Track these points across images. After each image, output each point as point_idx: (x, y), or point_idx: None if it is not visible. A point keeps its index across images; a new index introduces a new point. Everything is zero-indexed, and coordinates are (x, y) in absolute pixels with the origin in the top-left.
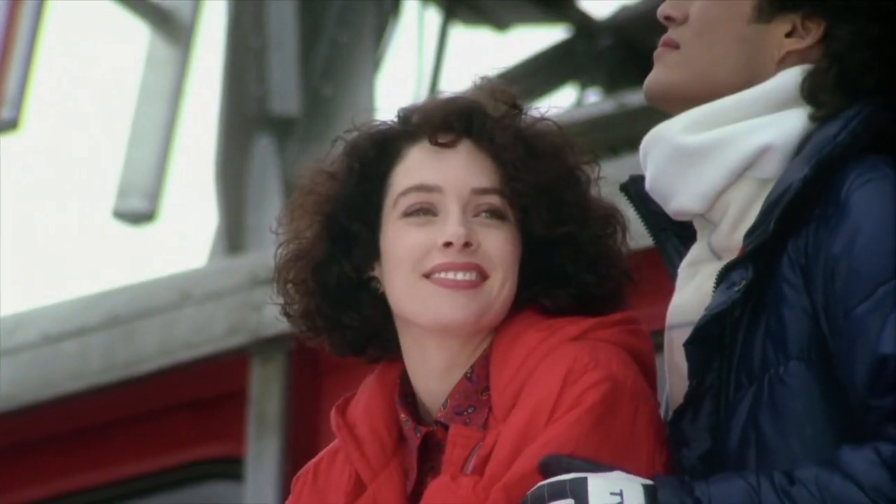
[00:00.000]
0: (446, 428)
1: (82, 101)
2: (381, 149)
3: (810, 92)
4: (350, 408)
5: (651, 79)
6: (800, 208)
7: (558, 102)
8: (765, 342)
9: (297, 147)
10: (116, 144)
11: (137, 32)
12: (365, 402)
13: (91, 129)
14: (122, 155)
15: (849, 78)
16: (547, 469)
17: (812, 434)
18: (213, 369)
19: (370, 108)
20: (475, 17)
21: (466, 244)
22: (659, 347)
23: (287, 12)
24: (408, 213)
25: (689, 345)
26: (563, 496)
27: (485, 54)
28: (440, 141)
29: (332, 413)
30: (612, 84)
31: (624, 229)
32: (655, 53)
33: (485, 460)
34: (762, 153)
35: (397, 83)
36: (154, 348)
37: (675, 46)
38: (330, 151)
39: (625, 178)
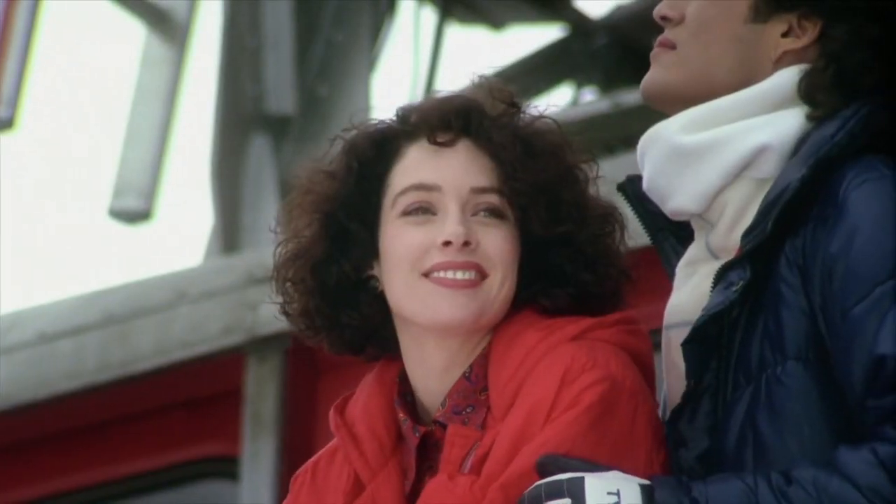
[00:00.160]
0: (445, 427)
1: (78, 101)
2: (380, 148)
3: (807, 91)
4: (349, 407)
5: (648, 79)
6: (797, 208)
7: (554, 101)
8: (762, 342)
9: (292, 146)
10: (112, 143)
11: (133, 32)
12: (364, 401)
13: (87, 129)
14: (118, 154)
15: (846, 78)
16: (544, 469)
17: (809, 434)
18: (209, 368)
19: (366, 108)
20: (471, 16)
21: (465, 243)
22: (657, 346)
23: (283, 12)
24: (406, 213)
25: (687, 345)
26: (560, 496)
27: (481, 53)
28: (438, 140)
29: (331, 412)
30: (607, 83)
31: (623, 228)
32: (652, 53)
33: (482, 460)
34: (759, 153)
35: (393, 83)
36: (150, 347)
37: (671, 46)
38: (328, 150)
39: (621, 177)
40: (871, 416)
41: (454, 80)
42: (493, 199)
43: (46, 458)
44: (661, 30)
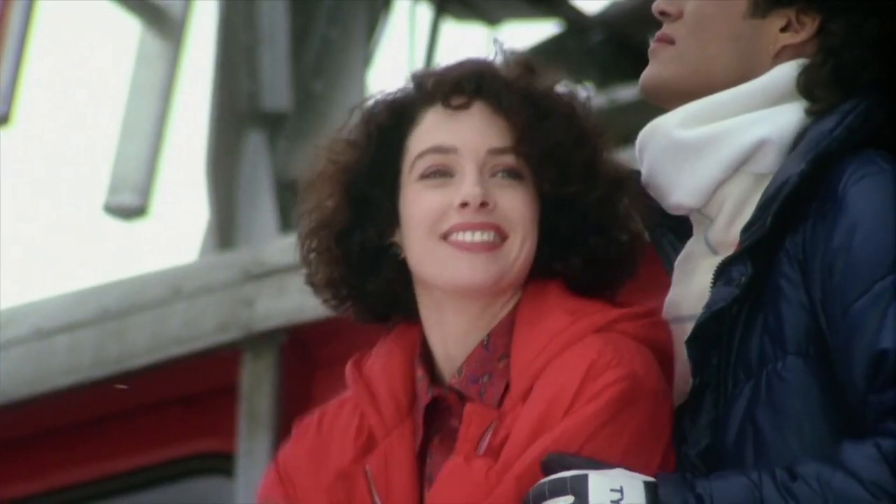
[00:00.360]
0: (459, 395)
1: (74, 97)
2: (398, 115)
3: (806, 86)
4: (367, 364)
5: (646, 75)
6: (797, 204)
7: None
8: (762, 338)
9: (287, 143)
10: (107, 140)
11: (129, 28)
12: (383, 360)
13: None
14: (114, 150)
15: (844, 73)
16: (548, 467)
17: (810, 430)
18: (205, 364)
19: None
20: (466, 12)
21: (483, 204)
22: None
23: (278, 8)
24: (424, 176)
25: (691, 342)
26: (563, 493)
27: (476, 50)
28: (453, 104)
29: (349, 366)
30: (603, 79)
31: (638, 194)
32: (650, 49)
33: (501, 443)
34: (758, 147)
35: (388, 79)
36: (145, 343)
37: (670, 42)
38: (348, 121)
39: None
40: (873, 411)
41: None
42: (510, 159)
43: (42, 454)
44: (657, 26)
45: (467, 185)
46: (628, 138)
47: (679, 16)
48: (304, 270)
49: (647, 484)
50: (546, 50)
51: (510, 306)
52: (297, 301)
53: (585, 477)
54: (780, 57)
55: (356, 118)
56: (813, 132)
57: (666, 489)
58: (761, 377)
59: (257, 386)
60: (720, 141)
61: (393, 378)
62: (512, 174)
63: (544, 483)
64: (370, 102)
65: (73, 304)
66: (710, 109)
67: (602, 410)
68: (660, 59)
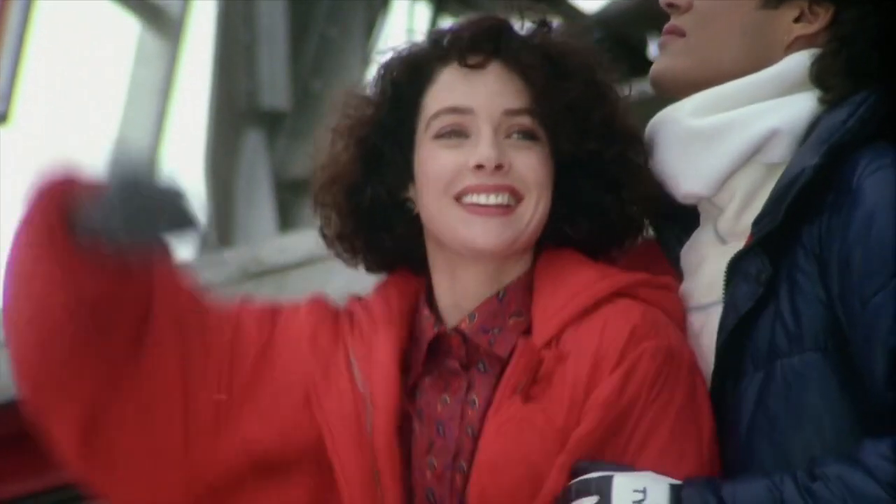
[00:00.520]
0: (464, 339)
1: (73, 96)
2: (414, 71)
3: (819, 75)
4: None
5: (657, 67)
6: (811, 196)
7: None
8: (773, 328)
9: (286, 141)
10: (106, 138)
11: (128, 27)
12: (383, 296)
13: (81, 123)
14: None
15: (857, 63)
16: (577, 471)
17: (831, 425)
18: None
19: None
20: (465, 11)
21: (498, 166)
22: None
23: (277, 7)
24: (439, 135)
25: (726, 350)
26: (587, 493)
27: None
28: (469, 63)
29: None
30: None
31: (643, 149)
32: (660, 41)
33: (545, 381)
34: (770, 137)
35: None
36: None
37: (680, 34)
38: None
39: None
40: (891, 408)
41: None
42: (525, 120)
43: (39, 453)
44: (655, 24)
45: (483, 147)
46: None
47: (688, 7)
48: (319, 227)
49: (672, 487)
50: None
51: (522, 264)
52: (296, 300)
53: (610, 478)
54: (792, 48)
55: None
56: (825, 123)
57: (689, 491)
58: (773, 369)
59: None
60: (732, 130)
61: (392, 310)
62: (528, 135)
63: (571, 485)
64: (385, 57)
65: None
66: (722, 98)
67: (647, 384)
68: (670, 52)
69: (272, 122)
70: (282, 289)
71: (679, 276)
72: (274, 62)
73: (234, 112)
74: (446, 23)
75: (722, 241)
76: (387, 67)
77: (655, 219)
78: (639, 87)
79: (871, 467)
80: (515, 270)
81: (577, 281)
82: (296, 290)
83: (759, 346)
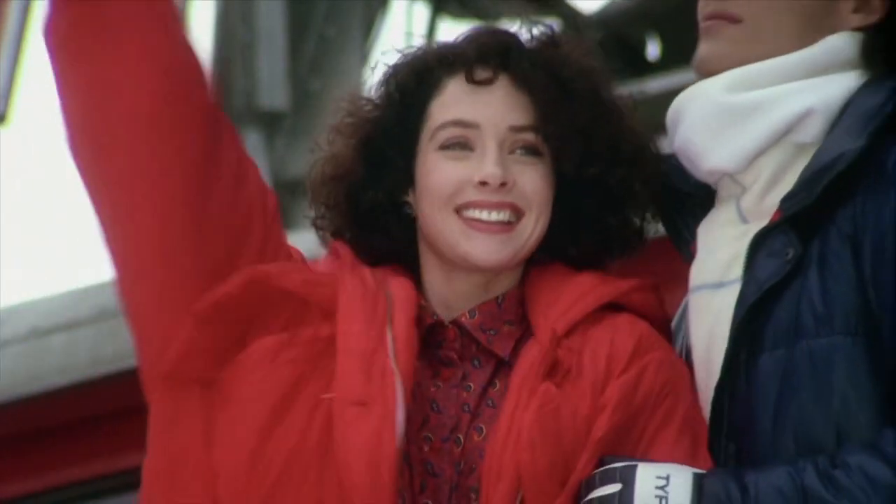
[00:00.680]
0: (460, 330)
1: None
2: (420, 78)
3: (868, 50)
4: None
5: (710, 52)
6: (847, 178)
7: None
8: (798, 307)
9: (284, 141)
10: None
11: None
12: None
13: None
14: None
15: None
16: (601, 464)
17: (856, 407)
18: None
19: None
20: (463, 11)
21: (503, 184)
22: None
23: (275, 6)
24: (444, 146)
25: (745, 323)
26: (612, 481)
27: None
28: (477, 77)
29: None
30: None
31: (657, 161)
32: (708, 25)
33: (565, 373)
34: (805, 116)
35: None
36: None
37: (734, 20)
38: (370, 74)
39: None
40: None
41: None
42: (530, 137)
43: (39, 453)
44: (653, 25)
45: (488, 164)
46: None
47: None
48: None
49: (695, 475)
50: None
51: (514, 273)
52: None
53: (634, 467)
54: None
55: (379, 73)
56: (860, 105)
57: (711, 479)
58: (796, 348)
59: None
60: (768, 107)
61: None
62: (531, 151)
63: (596, 473)
64: (393, 61)
65: (70, 304)
66: (759, 75)
67: (658, 387)
68: (726, 38)
69: (271, 122)
70: None
71: (688, 260)
72: (272, 62)
73: (232, 112)
74: (445, 23)
75: (743, 219)
76: (394, 71)
77: (663, 209)
78: (637, 87)
79: (891, 457)
80: (507, 279)
81: (580, 286)
82: None
83: (781, 324)
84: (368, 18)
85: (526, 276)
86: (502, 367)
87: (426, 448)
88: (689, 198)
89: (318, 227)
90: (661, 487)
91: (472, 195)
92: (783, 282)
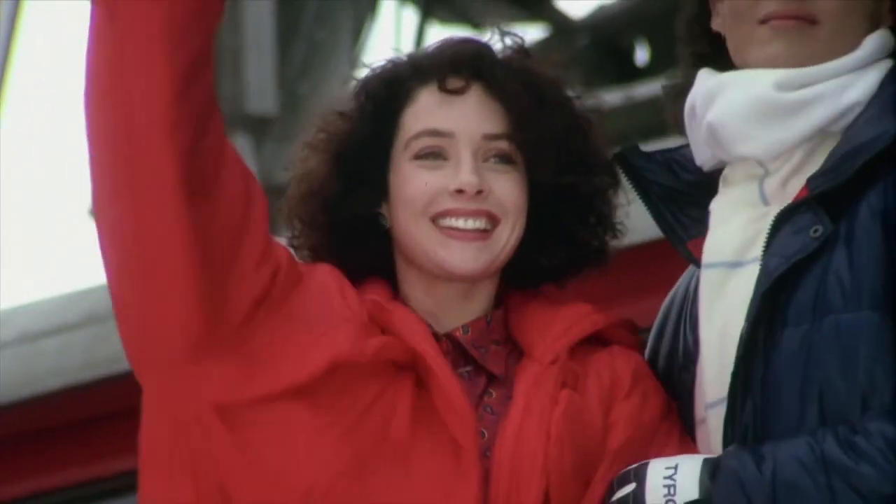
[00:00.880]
0: (453, 345)
1: (61, 99)
2: (392, 89)
3: None
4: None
5: (786, 53)
6: (881, 159)
7: None
8: (825, 283)
9: (273, 146)
10: None
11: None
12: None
13: (70, 126)
14: None
15: None
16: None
17: (883, 384)
18: None
19: None
20: (452, 16)
21: (479, 192)
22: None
23: (264, 12)
24: (419, 156)
25: (768, 294)
26: (627, 482)
27: None
28: (450, 86)
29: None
30: (588, 84)
31: (618, 181)
32: (782, 24)
33: (575, 388)
34: (848, 111)
35: None
36: None
37: (811, 21)
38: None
39: None
40: None
41: None
42: (503, 145)
43: (31, 457)
44: (642, 30)
45: (464, 173)
46: (614, 141)
47: None
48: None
49: (706, 459)
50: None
51: (494, 284)
52: None
53: (646, 464)
54: None
55: (348, 89)
56: (890, 89)
57: (727, 456)
58: (822, 323)
59: None
60: (817, 103)
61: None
62: (505, 159)
63: (613, 480)
64: (365, 74)
65: (61, 307)
66: (809, 77)
67: (661, 407)
68: (803, 38)
69: (259, 127)
70: None
71: (688, 259)
72: (261, 67)
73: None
74: (434, 28)
75: (765, 201)
76: (365, 84)
77: (651, 200)
78: (625, 92)
79: None
80: (486, 289)
81: (573, 312)
82: None
83: (805, 299)
84: (357, 23)
85: (508, 299)
86: (493, 381)
87: None
88: (681, 195)
89: (295, 247)
90: (670, 477)
91: (448, 204)
92: (809, 258)
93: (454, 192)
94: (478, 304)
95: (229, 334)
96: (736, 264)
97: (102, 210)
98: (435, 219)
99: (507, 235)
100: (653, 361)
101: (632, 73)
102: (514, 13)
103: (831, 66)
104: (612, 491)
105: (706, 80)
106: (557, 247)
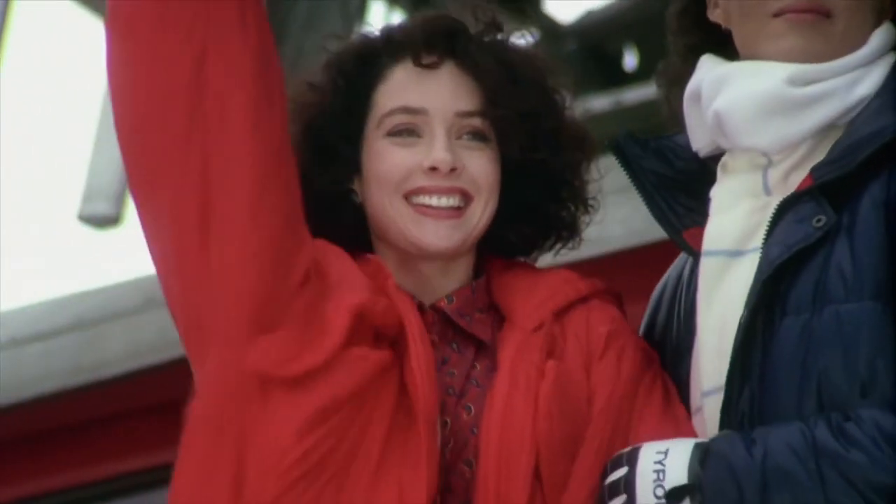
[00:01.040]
0: (440, 317)
1: (48, 105)
2: (365, 64)
3: None
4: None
5: (801, 47)
6: (885, 151)
7: None
8: (826, 273)
9: None
10: (81, 148)
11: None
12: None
13: (56, 133)
14: (88, 159)
15: None
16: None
17: (883, 376)
18: (179, 373)
19: None
20: None
21: (452, 169)
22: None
23: None
24: (392, 133)
25: (769, 282)
26: (620, 466)
27: None
28: (424, 62)
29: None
30: (577, 89)
31: (592, 155)
32: (798, 17)
33: (558, 356)
34: (858, 105)
35: None
36: (120, 352)
37: (826, 14)
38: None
39: (593, 178)
40: None
41: None
42: (477, 122)
43: (16, 462)
44: (630, 35)
45: (437, 150)
46: (602, 147)
47: None
48: None
49: (697, 443)
50: None
51: (467, 259)
52: None
53: (638, 448)
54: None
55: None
56: (894, 82)
57: (719, 439)
58: (823, 313)
59: None
60: (826, 100)
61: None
62: (478, 136)
63: (607, 463)
64: (337, 48)
65: (47, 313)
66: (821, 73)
67: (638, 363)
68: (817, 32)
69: None
70: None
71: (683, 248)
72: None
73: None
74: None
75: (767, 191)
76: (337, 58)
77: (647, 189)
78: (614, 98)
79: None
80: (464, 264)
81: (556, 279)
82: None
83: (806, 288)
84: (346, 27)
85: (489, 266)
86: (480, 350)
87: None
88: (673, 182)
89: None
90: (660, 461)
91: (422, 181)
92: (811, 247)
93: (427, 169)
94: (456, 277)
95: (291, 300)
96: (736, 253)
97: (162, 181)
98: (408, 196)
99: (481, 212)
100: None
101: (620, 79)
102: (502, 18)
103: (842, 63)
104: (605, 473)
105: (714, 67)
106: (527, 223)
